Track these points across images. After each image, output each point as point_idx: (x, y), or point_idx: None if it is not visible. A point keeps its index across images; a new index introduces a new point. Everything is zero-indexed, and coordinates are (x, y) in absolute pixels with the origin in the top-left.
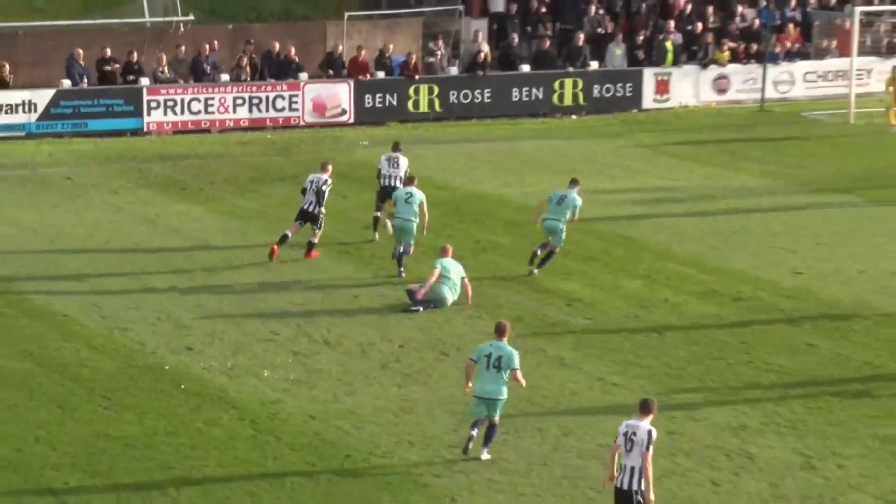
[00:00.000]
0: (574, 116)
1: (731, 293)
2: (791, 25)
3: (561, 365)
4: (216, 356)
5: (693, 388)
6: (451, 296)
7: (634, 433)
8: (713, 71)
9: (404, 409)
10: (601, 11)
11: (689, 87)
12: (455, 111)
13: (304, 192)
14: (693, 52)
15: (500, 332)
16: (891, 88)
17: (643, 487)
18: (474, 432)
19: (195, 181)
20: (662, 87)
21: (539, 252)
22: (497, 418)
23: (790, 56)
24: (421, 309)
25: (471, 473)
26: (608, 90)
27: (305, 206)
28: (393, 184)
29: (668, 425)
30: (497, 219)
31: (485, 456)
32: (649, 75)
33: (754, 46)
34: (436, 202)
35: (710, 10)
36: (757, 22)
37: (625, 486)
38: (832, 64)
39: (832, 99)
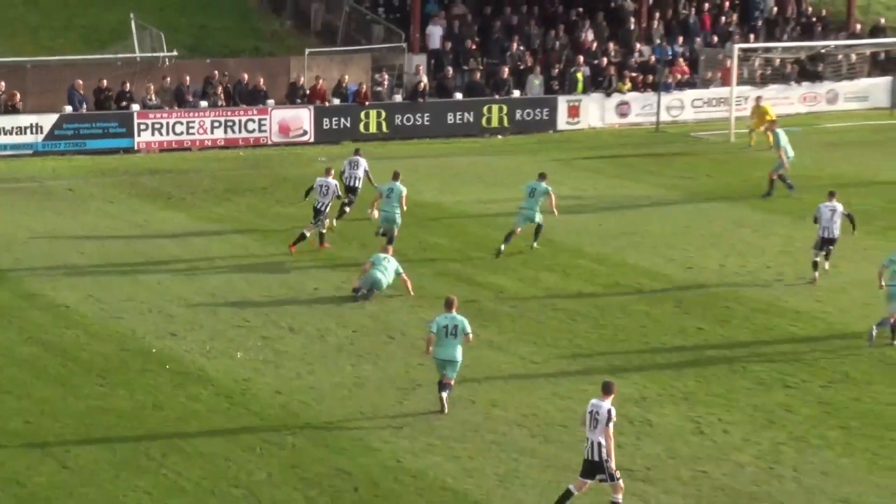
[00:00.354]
0: (500, 136)
1: (633, 285)
2: (681, 60)
3: (490, 347)
4: (196, 341)
5: (601, 366)
6: (383, 278)
7: (598, 412)
8: (616, 98)
9: (357, 384)
10: (522, 48)
11: (596, 112)
12: (400, 132)
13: (307, 194)
14: (599, 82)
15: (449, 305)
16: (754, 116)
17: (605, 457)
18: (444, 394)
19: (178, 192)
20: (574, 111)
21: (517, 232)
22: (452, 378)
23: (680, 85)
24: (363, 292)
25: (413, 439)
26: (528, 114)
27: (319, 206)
28: (353, 183)
29: (580, 397)
30: (437, 223)
31: (444, 396)
32: (563, 102)
33: (650, 77)
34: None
35: (612, 46)
36: (653, 57)
37: (595, 458)
38: (715, 92)
39: (716, 122)
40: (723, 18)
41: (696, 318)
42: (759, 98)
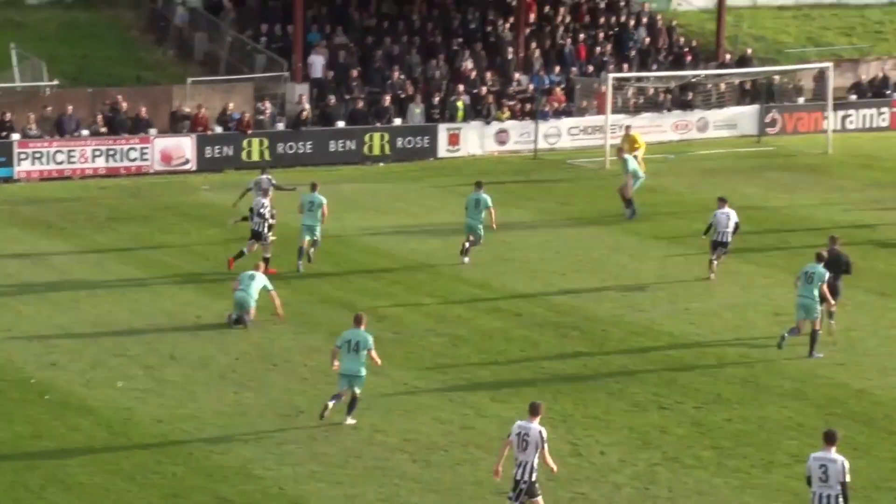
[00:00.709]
0: (382, 164)
1: (513, 309)
2: (558, 88)
3: (372, 372)
4: (77, 370)
5: (483, 389)
6: (248, 297)
7: (527, 434)
8: (495, 126)
9: (239, 412)
10: (403, 77)
11: (475, 140)
12: (282, 160)
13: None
14: (479, 110)
15: (357, 321)
16: (624, 144)
17: (535, 478)
18: (331, 403)
19: (60, 221)
20: (454, 139)
21: (467, 245)
22: (358, 392)
23: (557, 114)
24: (234, 317)
25: (295, 466)
26: (409, 142)
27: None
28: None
29: (462, 421)
30: (320, 250)
31: (349, 421)
32: (443, 130)
33: (528, 106)
34: None
35: (490, 75)
36: (531, 86)
37: (524, 478)
38: (591, 120)
39: (591, 149)
40: (598, 49)
41: (574, 342)
42: (628, 127)
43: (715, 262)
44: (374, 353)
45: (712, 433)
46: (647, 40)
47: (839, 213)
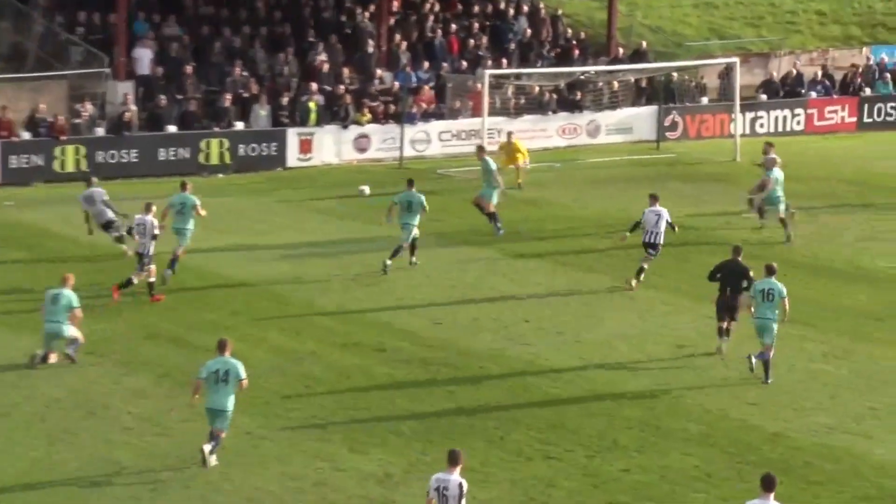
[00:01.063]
0: (221, 175)
1: (374, 344)
2: (426, 87)
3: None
4: None
5: (339, 438)
6: (59, 326)
7: (446, 487)
8: (354, 131)
9: (48, 468)
10: (245, 74)
11: (331, 146)
12: (102, 170)
13: (129, 231)
14: (335, 112)
15: (222, 348)
16: (503, 153)
17: None
18: (208, 447)
19: None
20: (306, 146)
21: (402, 247)
22: (222, 430)
23: (426, 116)
24: (39, 356)
25: None
26: (254, 149)
27: (141, 250)
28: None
29: (315, 476)
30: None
31: (212, 462)
32: (293, 135)
33: (392, 107)
34: (79, 259)
35: (348, 72)
36: (395, 84)
37: None
38: (465, 123)
39: (466, 156)
40: (472, 41)
41: (447, 381)
42: (510, 133)
43: (645, 268)
44: (244, 383)
45: (607, 486)
46: (529, 32)
47: (749, 229)
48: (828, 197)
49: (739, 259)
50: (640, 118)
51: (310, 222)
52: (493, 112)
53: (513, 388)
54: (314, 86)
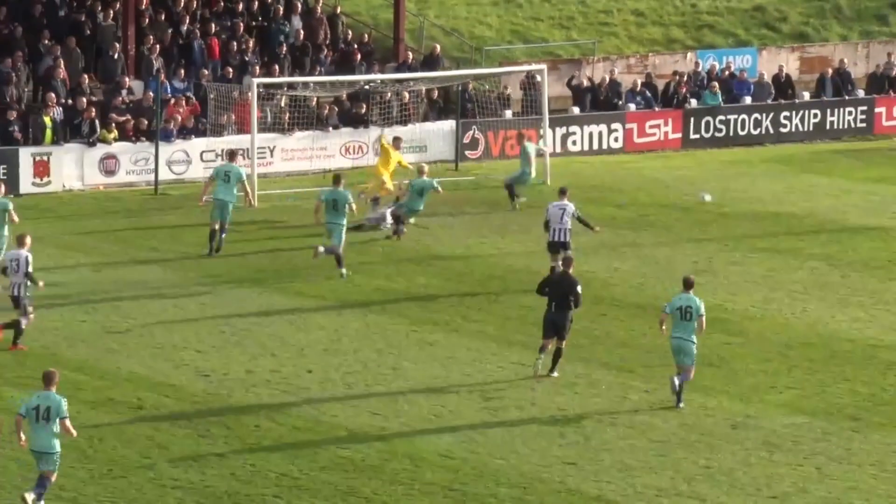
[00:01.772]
0: None
1: (131, 401)
2: (184, 98)
3: None
4: None
5: None
6: None
7: None
8: (100, 150)
9: None
10: None
11: (73, 169)
12: None
13: (4, 271)
14: (76, 128)
15: (48, 381)
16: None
17: None
18: (30, 496)
19: None
20: (42, 168)
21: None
22: (51, 473)
23: (185, 132)
24: None
25: None
26: None
27: (14, 293)
28: None
29: None
30: None
31: (31, 498)
32: (26, 155)
33: (144, 122)
34: None
35: (90, 81)
36: (148, 95)
37: None
38: (231, 141)
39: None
40: (237, 45)
41: (216, 444)
42: (395, 139)
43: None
44: (68, 423)
45: None
46: (303, 34)
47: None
48: (654, 227)
49: (570, 272)
50: (436, 134)
51: (54, 258)
52: (264, 128)
53: (295, 449)
54: (51, 97)
